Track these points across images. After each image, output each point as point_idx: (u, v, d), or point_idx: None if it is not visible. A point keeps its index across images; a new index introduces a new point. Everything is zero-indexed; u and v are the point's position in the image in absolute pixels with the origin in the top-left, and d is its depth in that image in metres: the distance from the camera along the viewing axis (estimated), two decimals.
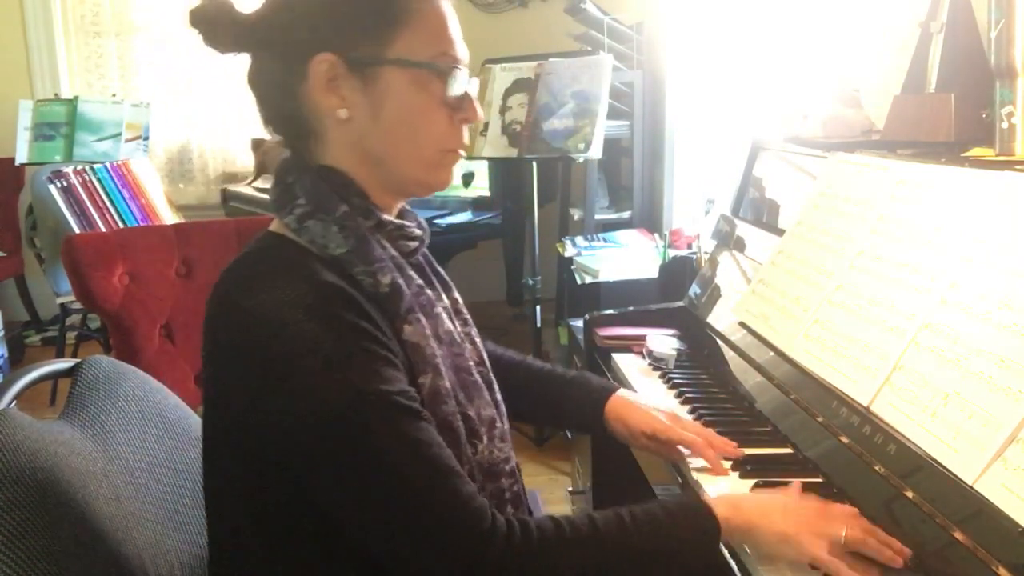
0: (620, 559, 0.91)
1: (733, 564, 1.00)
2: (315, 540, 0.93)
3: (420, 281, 1.02)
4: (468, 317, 1.13)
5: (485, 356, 1.12)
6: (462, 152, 1.02)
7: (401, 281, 0.96)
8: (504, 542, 0.87)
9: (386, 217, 1.00)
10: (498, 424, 1.04)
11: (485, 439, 1.00)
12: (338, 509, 0.89)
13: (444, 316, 1.03)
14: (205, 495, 1.02)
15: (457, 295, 1.13)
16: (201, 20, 0.98)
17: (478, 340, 1.13)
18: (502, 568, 0.87)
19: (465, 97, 0.99)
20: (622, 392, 1.29)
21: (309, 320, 0.86)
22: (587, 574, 0.90)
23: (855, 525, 0.96)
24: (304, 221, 0.95)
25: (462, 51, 1.00)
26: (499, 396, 1.09)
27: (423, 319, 0.97)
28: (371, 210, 0.98)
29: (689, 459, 1.21)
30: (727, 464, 1.19)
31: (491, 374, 1.10)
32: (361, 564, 0.93)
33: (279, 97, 0.99)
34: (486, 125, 2.94)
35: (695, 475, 1.19)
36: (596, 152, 2.78)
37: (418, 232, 1.05)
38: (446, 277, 1.14)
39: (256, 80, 1.01)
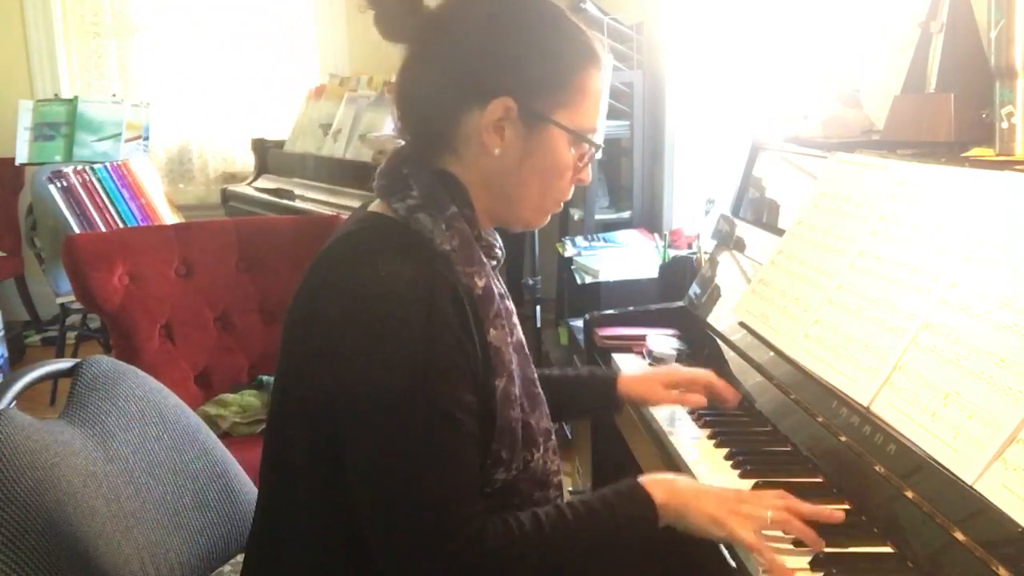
0: (567, 551, 0.97)
1: (733, 564, 1.00)
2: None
3: (503, 290, 1.06)
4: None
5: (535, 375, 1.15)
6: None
7: (493, 285, 1.01)
8: (467, 545, 0.92)
9: (482, 232, 1.06)
10: (552, 437, 1.09)
11: (542, 448, 1.05)
12: (352, 477, 0.94)
13: (519, 328, 1.09)
14: (262, 465, 1.05)
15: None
16: (381, 3, 1.00)
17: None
18: (461, 568, 0.92)
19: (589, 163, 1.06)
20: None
21: (414, 301, 0.91)
22: (539, 570, 0.96)
23: (780, 507, 0.99)
24: (414, 212, 0.99)
25: (603, 127, 1.07)
26: (548, 411, 1.13)
27: (505, 326, 1.01)
28: (474, 220, 1.03)
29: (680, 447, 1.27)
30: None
31: (542, 393, 1.13)
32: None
33: (433, 109, 1.02)
34: None
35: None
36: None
37: (499, 253, 1.11)
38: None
39: (411, 80, 1.03)
